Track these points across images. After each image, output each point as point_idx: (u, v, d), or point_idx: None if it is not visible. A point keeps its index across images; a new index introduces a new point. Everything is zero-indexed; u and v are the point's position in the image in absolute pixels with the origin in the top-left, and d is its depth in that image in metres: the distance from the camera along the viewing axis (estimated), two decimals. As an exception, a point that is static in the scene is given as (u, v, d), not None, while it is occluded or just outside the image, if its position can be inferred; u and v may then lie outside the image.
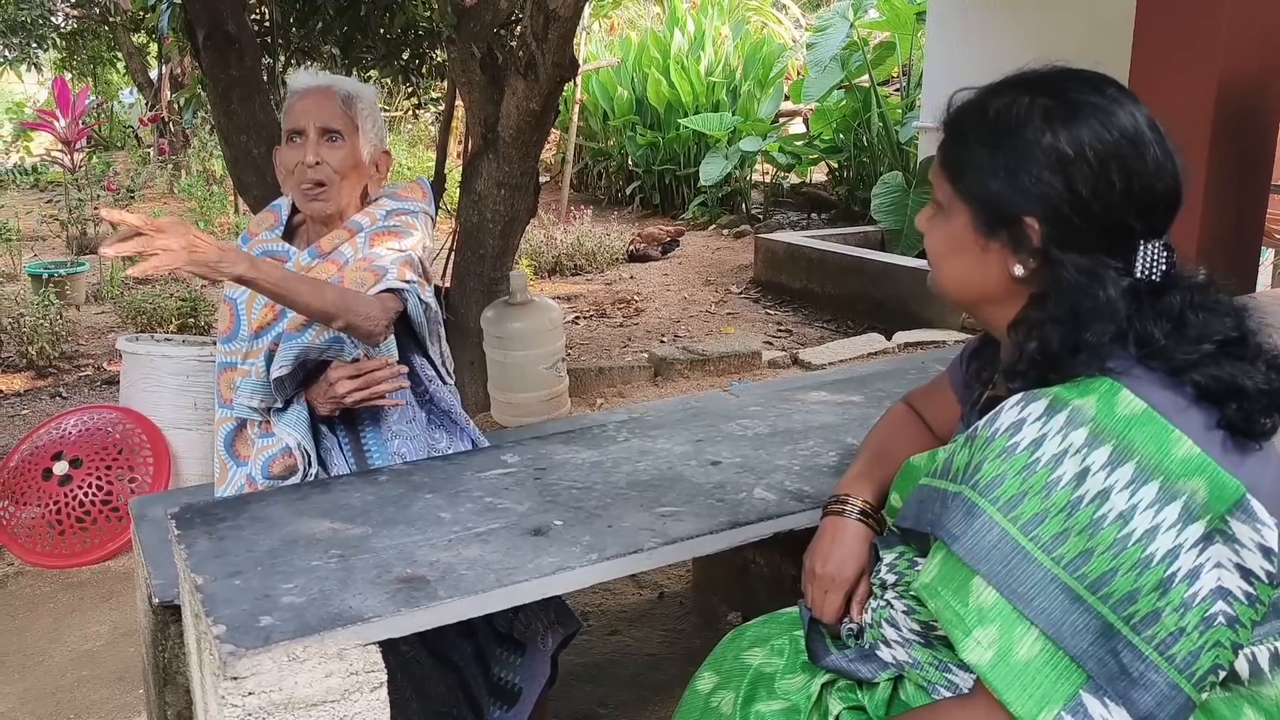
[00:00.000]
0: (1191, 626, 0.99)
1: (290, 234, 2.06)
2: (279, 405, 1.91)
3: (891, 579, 1.25)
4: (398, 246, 1.96)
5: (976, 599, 1.05)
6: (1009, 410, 1.08)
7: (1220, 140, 2.91)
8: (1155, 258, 1.09)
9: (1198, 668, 0.99)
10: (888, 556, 1.27)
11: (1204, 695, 1.02)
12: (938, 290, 1.26)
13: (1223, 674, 1.03)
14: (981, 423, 1.11)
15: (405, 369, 1.94)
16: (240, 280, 1.69)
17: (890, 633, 1.25)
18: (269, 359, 1.88)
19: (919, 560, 1.21)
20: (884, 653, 1.26)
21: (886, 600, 1.27)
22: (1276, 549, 1.02)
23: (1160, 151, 1.10)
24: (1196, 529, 1.00)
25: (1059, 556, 1.02)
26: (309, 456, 1.88)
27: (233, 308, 2.01)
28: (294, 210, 2.08)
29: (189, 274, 1.64)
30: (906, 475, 1.29)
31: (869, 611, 1.30)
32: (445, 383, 2.07)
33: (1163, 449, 1.02)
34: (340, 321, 1.81)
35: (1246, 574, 1.01)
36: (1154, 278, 1.09)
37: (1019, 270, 1.14)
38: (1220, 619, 1.00)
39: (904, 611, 1.23)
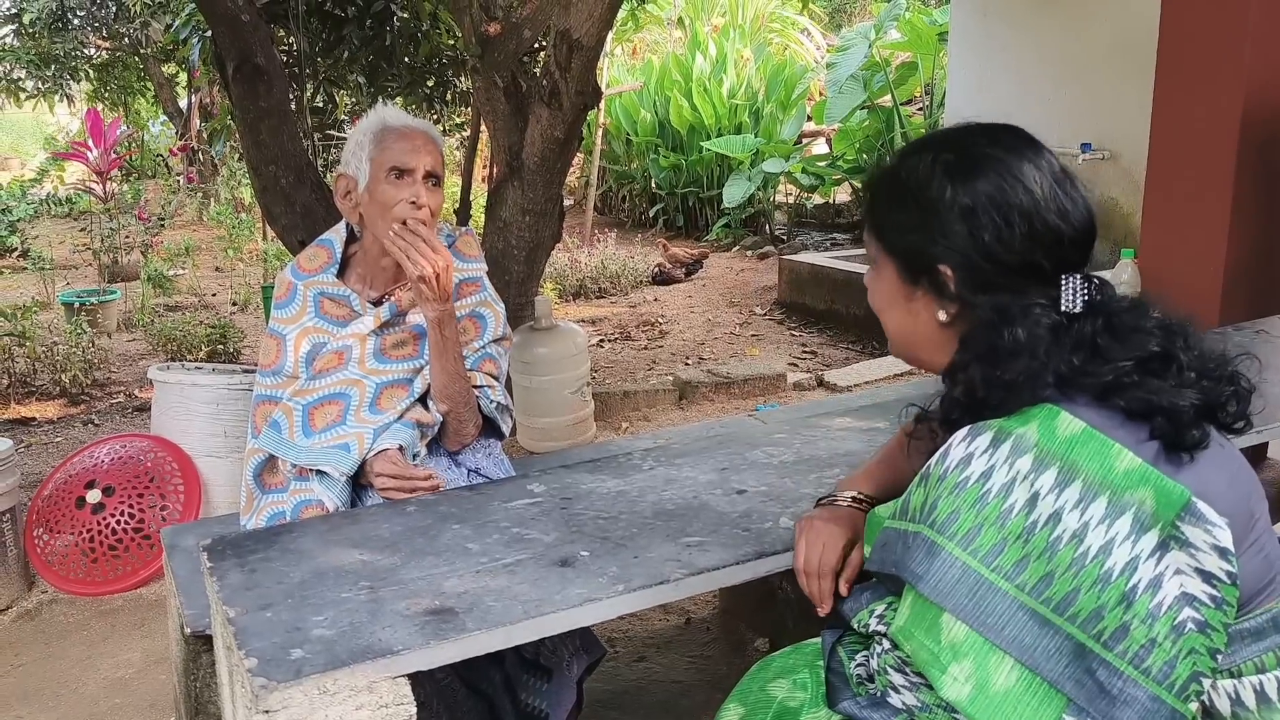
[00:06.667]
0: (1162, 636, 0.99)
1: (342, 267, 2.09)
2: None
3: (882, 629, 1.26)
4: (478, 345, 2.05)
5: (948, 635, 1.06)
6: (957, 446, 1.10)
7: (1245, 163, 2.89)
8: (1075, 290, 1.13)
9: (1176, 677, 1.00)
10: (879, 607, 1.28)
11: (1192, 706, 1.01)
12: (892, 349, 1.33)
13: (1206, 682, 1.03)
14: (933, 461, 1.13)
15: (443, 482, 1.93)
16: (433, 323, 1.89)
17: (897, 679, 1.25)
18: (373, 435, 1.92)
19: None
20: (894, 699, 1.26)
21: (886, 648, 1.27)
22: (1232, 548, 1.02)
23: (1062, 192, 1.15)
24: (1151, 538, 1.01)
25: (1022, 583, 1.03)
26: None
27: (280, 343, 2.03)
28: (346, 243, 2.10)
29: (419, 283, 1.85)
30: (874, 524, 1.30)
31: (875, 658, 1.30)
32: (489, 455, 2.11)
33: (1106, 464, 1.04)
34: (450, 412, 1.94)
35: (1207, 577, 1.02)
36: (1075, 309, 1.13)
37: (943, 316, 1.20)
38: (1190, 625, 1.00)
39: (903, 659, 1.24)
